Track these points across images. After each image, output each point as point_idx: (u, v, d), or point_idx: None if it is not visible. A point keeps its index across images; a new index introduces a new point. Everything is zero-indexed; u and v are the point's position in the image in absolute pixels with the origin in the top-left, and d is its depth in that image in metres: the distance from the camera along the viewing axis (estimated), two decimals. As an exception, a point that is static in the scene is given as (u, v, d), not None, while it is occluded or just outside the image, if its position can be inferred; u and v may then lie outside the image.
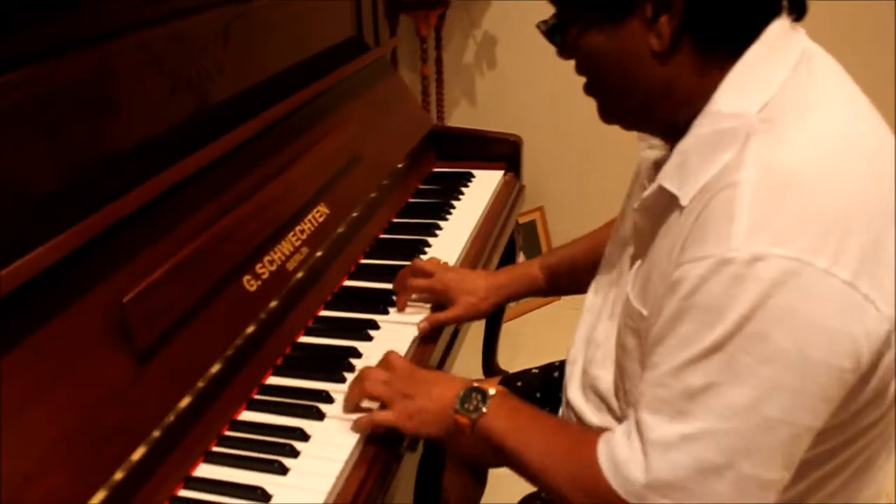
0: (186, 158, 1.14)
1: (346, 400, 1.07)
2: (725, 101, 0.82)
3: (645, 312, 0.89)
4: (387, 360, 1.08)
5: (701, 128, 0.84)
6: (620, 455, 0.82)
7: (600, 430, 0.90)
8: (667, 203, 0.87)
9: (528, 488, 1.28)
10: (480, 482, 1.55)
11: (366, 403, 1.06)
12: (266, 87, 1.42)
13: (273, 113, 1.36)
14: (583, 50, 0.89)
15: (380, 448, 1.02)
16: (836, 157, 0.79)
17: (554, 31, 0.91)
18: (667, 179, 0.86)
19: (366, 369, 1.07)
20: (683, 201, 0.83)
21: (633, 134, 1.11)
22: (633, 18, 0.83)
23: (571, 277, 1.32)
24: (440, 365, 1.31)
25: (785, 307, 0.72)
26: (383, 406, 1.03)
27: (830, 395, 0.75)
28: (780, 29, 0.83)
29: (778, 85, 0.81)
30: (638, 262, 0.95)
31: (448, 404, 0.97)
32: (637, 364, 0.93)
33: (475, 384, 0.97)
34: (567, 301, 2.88)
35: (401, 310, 1.30)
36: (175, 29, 1.19)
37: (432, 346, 1.26)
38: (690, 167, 0.83)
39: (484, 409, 0.94)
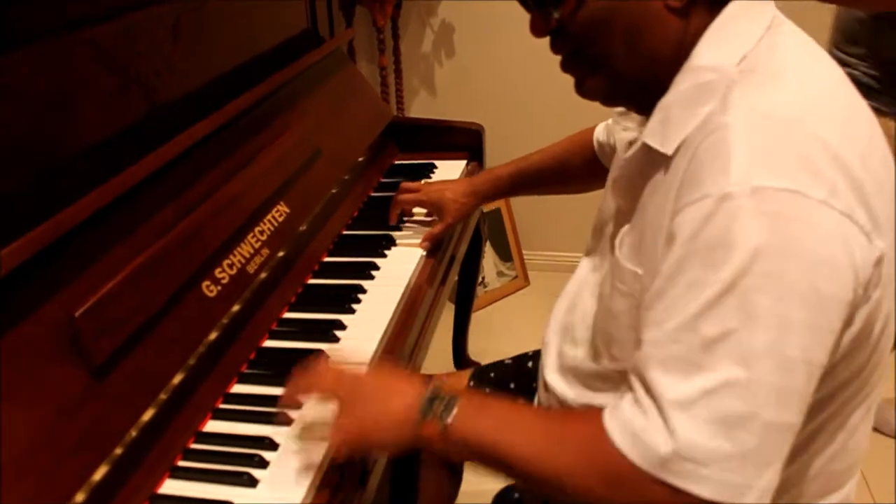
0: (139, 161, 1.10)
1: (281, 403, 0.98)
2: (704, 55, 0.83)
3: (640, 271, 0.88)
4: (323, 372, 0.95)
5: (682, 83, 0.84)
6: (637, 424, 0.76)
7: (592, 408, 0.84)
8: (650, 162, 0.87)
9: (502, 482, 1.27)
10: (456, 476, 1.53)
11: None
12: (219, 85, 1.38)
13: (227, 111, 1.32)
14: (587, 14, 0.85)
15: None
16: (818, 102, 0.80)
17: (549, 0, 0.87)
18: (650, 137, 0.86)
19: (304, 382, 0.95)
20: (669, 152, 0.83)
21: (595, 115, 1.10)
22: None
23: (528, 184, 1.51)
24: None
25: (790, 240, 0.71)
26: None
27: (837, 329, 0.75)
28: None
29: (755, 40, 0.82)
30: (625, 228, 0.93)
31: (409, 415, 0.87)
32: (626, 329, 0.91)
33: (433, 389, 0.88)
34: (535, 288, 2.88)
35: (392, 222, 1.53)
36: (125, 25, 1.14)
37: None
38: (672, 121, 0.83)
39: (454, 412, 0.85)
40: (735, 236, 0.72)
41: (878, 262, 0.76)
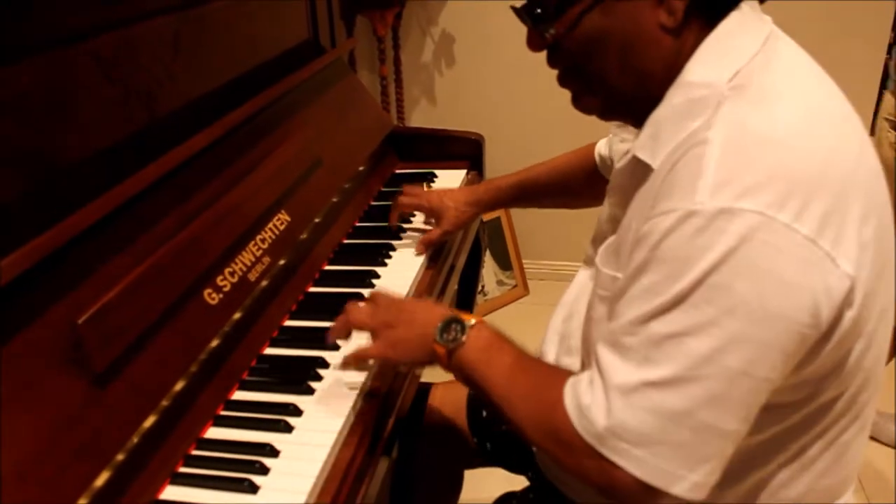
0: (141, 170, 1.10)
1: (331, 333, 1.10)
2: (697, 71, 0.84)
3: (619, 275, 0.89)
4: (371, 296, 1.10)
5: (674, 98, 0.85)
6: (584, 399, 0.82)
7: (568, 373, 0.90)
8: (639, 173, 0.88)
9: (502, 488, 1.28)
10: (456, 484, 1.54)
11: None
12: (221, 94, 1.39)
13: (229, 120, 1.33)
14: (582, 32, 0.87)
15: (353, 458, 1.00)
16: (805, 122, 0.81)
17: (545, 17, 0.88)
18: (640, 150, 0.87)
19: (351, 304, 1.10)
20: (655, 165, 0.84)
21: (594, 127, 1.11)
22: None
23: (529, 197, 1.52)
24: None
25: (748, 260, 0.73)
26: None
27: (789, 349, 0.76)
28: (750, 7, 0.86)
29: (748, 56, 0.83)
30: (611, 238, 0.95)
31: (430, 332, 0.98)
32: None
33: (456, 314, 0.98)
34: (535, 297, 2.89)
35: (392, 224, 1.54)
36: (126, 36, 1.15)
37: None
38: (662, 136, 0.84)
39: (462, 340, 0.95)
40: (694, 252, 0.74)
41: (850, 286, 0.77)
